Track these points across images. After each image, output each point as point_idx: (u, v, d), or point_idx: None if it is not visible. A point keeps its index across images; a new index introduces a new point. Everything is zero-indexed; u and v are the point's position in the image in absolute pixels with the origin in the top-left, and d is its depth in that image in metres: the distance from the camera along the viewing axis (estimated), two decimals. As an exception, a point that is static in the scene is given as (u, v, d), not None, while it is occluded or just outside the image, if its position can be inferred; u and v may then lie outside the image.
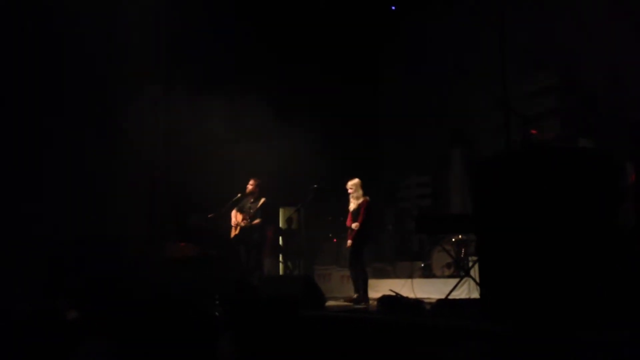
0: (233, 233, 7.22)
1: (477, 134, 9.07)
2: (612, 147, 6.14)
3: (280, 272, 9.77)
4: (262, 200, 7.11)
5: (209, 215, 7.32)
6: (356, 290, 6.50)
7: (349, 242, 6.57)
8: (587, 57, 7.30)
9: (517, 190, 3.86)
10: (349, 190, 6.73)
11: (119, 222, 7.80)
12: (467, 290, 6.47)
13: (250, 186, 7.22)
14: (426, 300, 5.66)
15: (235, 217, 7.19)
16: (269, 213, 7.38)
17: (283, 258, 10.00)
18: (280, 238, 10.06)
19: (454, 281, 6.13)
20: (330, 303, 6.50)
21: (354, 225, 6.53)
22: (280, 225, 10.33)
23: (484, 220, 4.20)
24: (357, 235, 6.50)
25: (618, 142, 6.36)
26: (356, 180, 6.75)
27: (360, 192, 6.68)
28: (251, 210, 7.07)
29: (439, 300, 5.15)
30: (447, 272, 7.69)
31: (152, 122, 8.69)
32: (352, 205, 6.69)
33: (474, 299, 5.06)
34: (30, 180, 7.16)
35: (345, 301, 6.75)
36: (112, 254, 7.35)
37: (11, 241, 6.73)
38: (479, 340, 3.15)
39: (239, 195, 7.25)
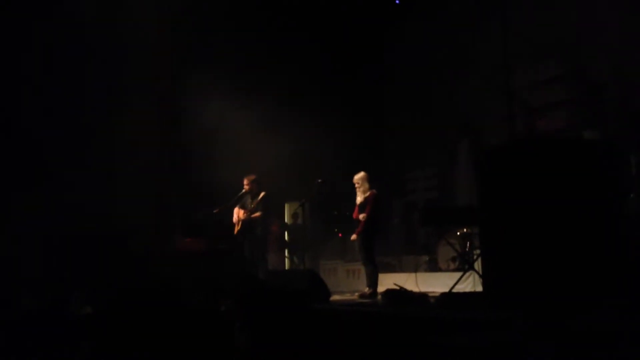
0: (236, 229, 7.25)
1: (483, 125, 9.02)
2: (618, 138, 6.11)
3: (286, 267, 9.80)
4: (262, 194, 7.12)
5: (214, 211, 7.35)
6: (368, 285, 6.50)
7: (354, 236, 6.58)
8: (593, 47, 7.24)
9: (521, 180, 3.85)
10: (356, 185, 6.72)
11: (126, 218, 7.85)
12: (472, 284, 6.46)
13: (246, 186, 7.21)
14: (430, 294, 5.66)
15: (237, 213, 7.22)
16: (270, 206, 7.36)
17: (289, 253, 10.03)
18: (286, 233, 10.09)
19: (458, 275, 6.12)
20: (335, 297, 6.52)
21: (362, 216, 6.52)
22: (286, 220, 10.35)
23: (488, 211, 4.19)
24: (366, 229, 6.49)
25: (624, 132, 6.32)
26: (362, 174, 6.73)
27: (367, 185, 6.67)
28: (252, 206, 7.09)
29: (443, 294, 5.15)
30: (452, 266, 7.65)
31: (158, 118, 8.74)
32: (359, 199, 6.68)
33: (478, 292, 5.05)
34: (38, 175, 7.22)
35: (354, 295, 6.75)
36: (120, 248, 7.42)
37: (21, 235, 6.80)
38: (483, 330, 3.16)
39: (243, 190, 7.27)
